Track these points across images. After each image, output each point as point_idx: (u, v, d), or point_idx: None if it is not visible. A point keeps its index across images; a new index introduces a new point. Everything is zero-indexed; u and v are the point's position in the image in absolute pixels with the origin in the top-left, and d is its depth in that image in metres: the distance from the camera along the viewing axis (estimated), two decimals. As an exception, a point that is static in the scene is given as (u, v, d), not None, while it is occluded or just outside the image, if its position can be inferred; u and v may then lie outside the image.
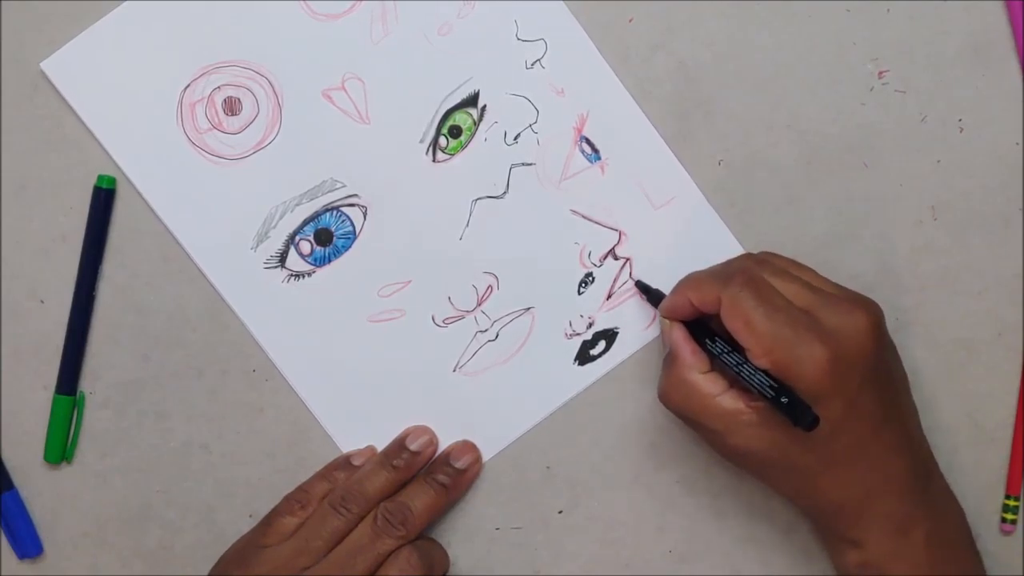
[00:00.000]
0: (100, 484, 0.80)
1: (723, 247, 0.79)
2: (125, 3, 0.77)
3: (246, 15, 0.77)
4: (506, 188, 0.79)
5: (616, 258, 0.79)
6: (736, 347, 0.73)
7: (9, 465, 0.80)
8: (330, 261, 0.79)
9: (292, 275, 0.79)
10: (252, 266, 0.79)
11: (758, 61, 0.79)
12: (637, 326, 0.80)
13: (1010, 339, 0.80)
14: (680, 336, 0.75)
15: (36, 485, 0.80)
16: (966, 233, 0.80)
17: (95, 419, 0.80)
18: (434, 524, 0.80)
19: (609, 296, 0.80)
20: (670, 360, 0.75)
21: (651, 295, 0.79)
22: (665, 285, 0.78)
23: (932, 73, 0.79)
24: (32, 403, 0.79)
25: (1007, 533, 0.81)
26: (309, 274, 0.79)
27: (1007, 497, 0.80)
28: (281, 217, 0.79)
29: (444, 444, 0.80)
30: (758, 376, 0.71)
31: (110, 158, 0.78)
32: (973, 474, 0.81)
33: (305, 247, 0.79)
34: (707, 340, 0.74)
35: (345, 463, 0.79)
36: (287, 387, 0.80)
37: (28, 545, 0.79)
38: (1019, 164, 0.79)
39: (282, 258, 0.79)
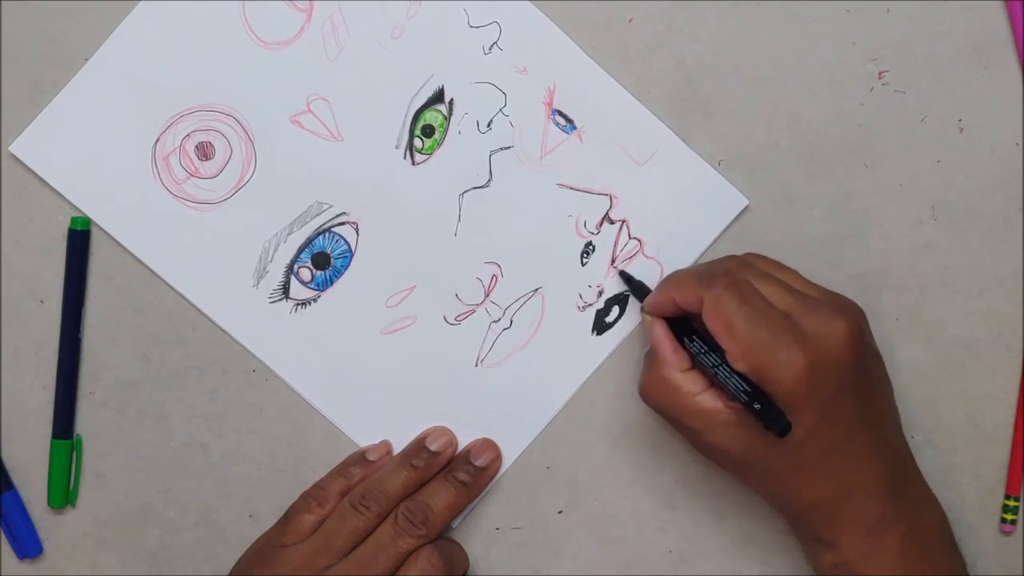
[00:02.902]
0: (100, 484, 0.80)
1: (713, 189, 0.79)
2: (78, 74, 0.77)
3: (200, 59, 0.78)
4: (490, 176, 0.79)
5: (612, 222, 0.80)
6: (715, 347, 0.73)
7: (9, 465, 0.80)
8: (332, 283, 0.79)
9: (298, 304, 0.79)
10: (257, 303, 0.79)
11: (758, 61, 0.79)
12: (647, 284, 0.79)
13: (1010, 339, 0.80)
14: (661, 333, 0.75)
15: (36, 485, 0.80)
16: (966, 233, 0.80)
17: (95, 419, 0.80)
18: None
19: (613, 261, 0.80)
20: (651, 357, 0.76)
21: (633, 286, 0.79)
22: (665, 238, 0.79)
23: (932, 73, 0.79)
24: (32, 403, 0.79)
25: (1007, 533, 0.81)
26: (315, 300, 0.79)
27: (1007, 497, 0.80)
28: (276, 250, 0.79)
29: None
30: (733, 379, 0.72)
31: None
32: (973, 474, 0.81)
33: (305, 274, 0.79)
34: (685, 338, 0.75)
35: (360, 459, 0.79)
36: (287, 387, 0.80)
37: (28, 545, 0.79)
38: (1019, 164, 0.79)
39: (285, 290, 0.79)
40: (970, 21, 0.79)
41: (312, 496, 0.78)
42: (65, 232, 0.78)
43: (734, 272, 0.73)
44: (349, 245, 0.79)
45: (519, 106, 0.79)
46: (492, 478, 0.80)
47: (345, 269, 0.79)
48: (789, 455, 0.73)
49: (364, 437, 0.80)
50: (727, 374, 0.72)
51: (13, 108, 0.78)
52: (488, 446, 0.79)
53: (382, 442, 0.80)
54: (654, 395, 0.75)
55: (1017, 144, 0.79)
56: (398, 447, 0.80)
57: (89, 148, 0.78)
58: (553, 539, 0.81)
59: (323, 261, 0.79)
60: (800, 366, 0.71)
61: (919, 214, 0.80)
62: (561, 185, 0.79)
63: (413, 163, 0.79)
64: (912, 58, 0.79)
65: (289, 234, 0.79)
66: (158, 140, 0.78)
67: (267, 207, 0.79)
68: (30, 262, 0.79)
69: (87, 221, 0.78)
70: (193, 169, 0.78)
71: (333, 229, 0.79)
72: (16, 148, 0.78)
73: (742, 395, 0.71)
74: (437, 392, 0.80)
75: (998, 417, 0.80)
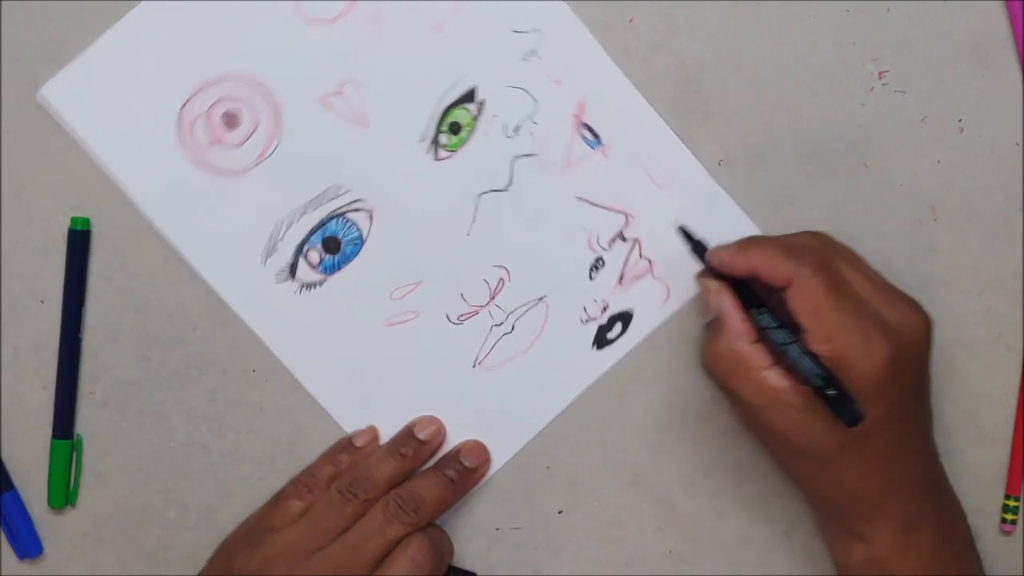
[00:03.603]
0: (100, 484, 0.80)
1: (730, 221, 0.79)
2: (116, 24, 0.77)
3: (239, 26, 0.77)
4: (510, 180, 0.79)
5: (624, 240, 0.79)
6: (787, 323, 0.71)
7: (9, 465, 0.80)
8: (340, 268, 0.79)
9: (304, 286, 0.79)
10: (263, 281, 0.79)
11: (758, 61, 0.79)
12: (652, 305, 0.80)
13: (1010, 339, 0.80)
14: (730, 302, 0.73)
15: (36, 485, 0.80)
16: (966, 233, 0.80)
17: (95, 419, 0.80)
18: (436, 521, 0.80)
19: (621, 278, 0.80)
20: (716, 327, 0.74)
21: (693, 243, 0.77)
22: (676, 263, 0.78)
23: (932, 73, 0.79)
24: (32, 403, 0.79)
25: (1007, 533, 0.81)
26: (320, 283, 0.79)
27: (1007, 497, 0.80)
28: (288, 228, 0.78)
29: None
30: (807, 360, 0.70)
31: (103, 176, 0.78)
32: (973, 474, 0.81)
33: (314, 257, 0.79)
34: (754, 310, 0.72)
35: (348, 445, 0.79)
36: (287, 387, 0.80)
37: (28, 545, 0.79)
38: (1019, 164, 0.79)
39: (292, 270, 0.79)
40: (970, 21, 0.79)
41: (301, 482, 0.78)
42: (65, 232, 0.78)
43: (823, 255, 0.72)
44: (361, 232, 0.79)
45: (548, 115, 0.79)
46: (478, 481, 0.80)
47: (354, 256, 0.79)
48: (849, 447, 0.71)
49: (355, 425, 0.80)
50: (799, 353, 0.70)
51: (13, 108, 0.78)
52: (478, 449, 0.79)
53: (368, 427, 0.79)
54: (719, 366, 0.73)
55: (1017, 144, 0.79)
56: (388, 438, 0.79)
57: (117, 101, 0.77)
58: (553, 539, 0.81)
59: (333, 245, 0.79)
60: (884, 357, 0.70)
61: (919, 214, 0.80)
62: (580, 198, 0.79)
63: (436, 158, 0.79)
64: (912, 58, 0.79)
65: (303, 214, 0.78)
66: (186, 103, 0.77)
67: (284, 184, 0.78)
68: (30, 262, 0.79)
69: (87, 221, 0.78)
70: (216, 137, 0.78)
71: (347, 214, 0.79)
72: (46, 91, 0.77)
73: (816, 378, 0.69)
74: (432, 388, 0.80)
75: (998, 417, 0.81)
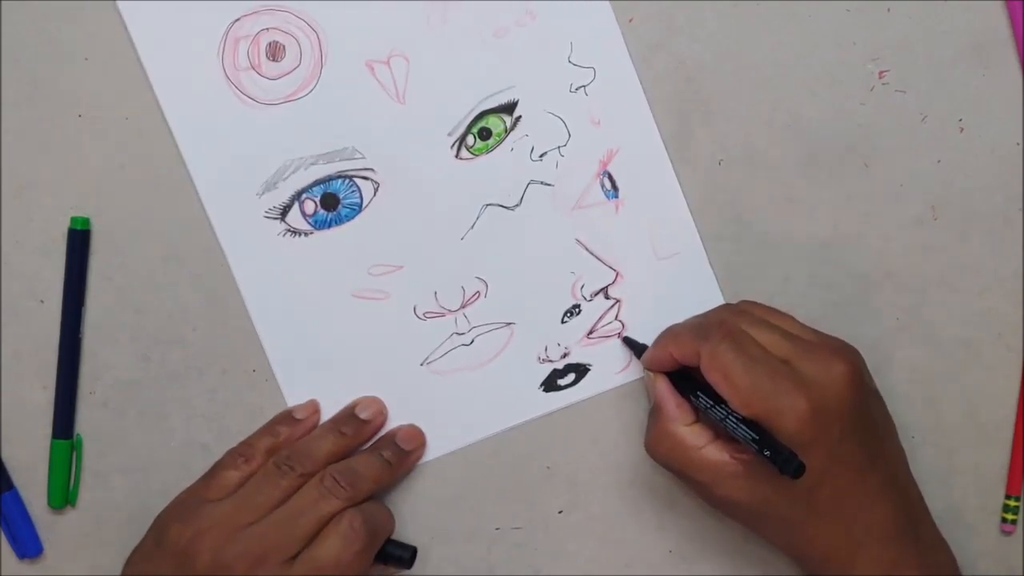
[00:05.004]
0: (100, 484, 0.80)
1: (710, 303, 0.79)
2: None
3: None
4: (519, 201, 0.79)
5: (607, 297, 0.80)
6: (720, 400, 0.73)
7: (9, 465, 0.80)
8: (330, 227, 0.79)
9: (290, 231, 0.79)
10: (253, 212, 0.78)
11: (758, 61, 0.79)
12: (610, 368, 0.80)
13: (1010, 339, 0.80)
14: (664, 389, 0.76)
15: (36, 485, 0.80)
16: (966, 233, 0.80)
17: (95, 419, 0.80)
18: (433, 523, 0.80)
19: (591, 332, 0.80)
20: (655, 412, 0.76)
21: (636, 349, 0.79)
22: (647, 332, 0.78)
23: (932, 73, 0.79)
24: (32, 403, 0.79)
25: (1007, 533, 0.81)
26: (307, 234, 0.79)
27: (1007, 497, 0.80)
28: (293, 172, 0.78)
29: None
30: (741, 428, 0.71)
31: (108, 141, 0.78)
32: (973, 474, 0.81)
33: (309, 207, 0.79)
34: (691, 396, 0.75)
35: (288, 417, 0.79)
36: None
37: (28, 545, 0.79)
38: (1019, 164, 0.79)
39: (284, 212, 0.79)
40: (970, 21, 0.79)
41: (239, 452, 0.77)
42: (65, 232, 0.78)
43: (728, 323, 0.73)
44: (362, 200, 0.79)
45: (577, 153, 0.79)
46: (413, 465, 0.80)
47: (348, 220, 0.79)
48: (802, 502, 0.73)
49: (293, 389, 0.79)
50: (735, 423, 0.71)
51: (13, 108, 0.78)
52: (415, 433, 0.80)
53: (309, 401, 0.79)
54: (660, 449, 0.75)
55: (1017, 144, 0.79)
56: (328, 407, 0.79)
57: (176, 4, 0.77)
58: (553, 539, 0.81)
59: (332, 203, 0.78)
60: (803, 411, 0.71)
61: (919, 214, 0.80)
62: (579, 242, 0.79)
63: (457, 156, 0.79)
64: (912, 58, 0.79)
65: (312, 164, 0.78)
66: (239, 19, 0.77)
67: (304, 130, 0.78)
68: (30, 262, 0.79)
69: (87, 221, 0.78)
70: (256, 63, 0.78)
71: (354, 179, 0.78)
72: None
73: (750, 442, 0.71)
74: (376, 371, 0.79)
75: (998, 417, 0.81)
